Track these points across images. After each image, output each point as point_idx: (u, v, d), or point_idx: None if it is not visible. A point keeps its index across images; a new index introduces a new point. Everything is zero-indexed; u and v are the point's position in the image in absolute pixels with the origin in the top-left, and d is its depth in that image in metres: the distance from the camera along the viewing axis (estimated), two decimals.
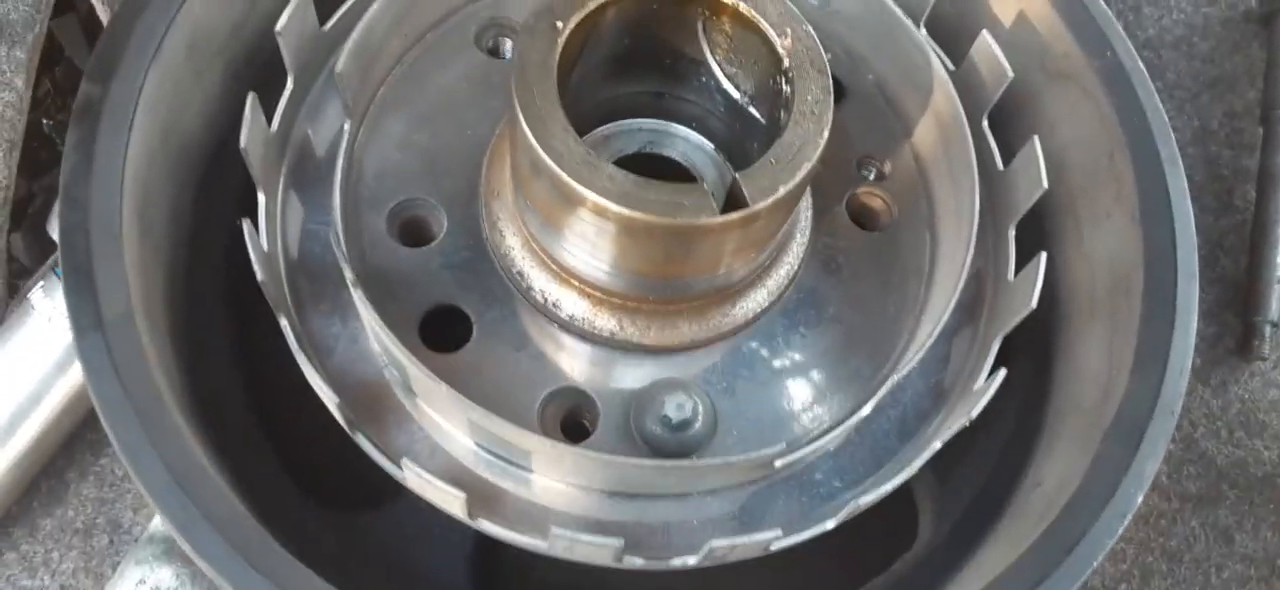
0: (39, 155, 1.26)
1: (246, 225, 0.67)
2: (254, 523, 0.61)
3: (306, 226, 0.76)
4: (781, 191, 0.63)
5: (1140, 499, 0.64)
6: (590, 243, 0.67)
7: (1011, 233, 0.78)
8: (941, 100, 0.79)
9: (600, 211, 0.62)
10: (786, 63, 0.67)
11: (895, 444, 0.73)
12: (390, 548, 0.74)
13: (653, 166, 0.82)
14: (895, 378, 0.67)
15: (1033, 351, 0.82)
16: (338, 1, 0.81)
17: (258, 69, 0.82)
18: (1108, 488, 0.66)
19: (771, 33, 0.68)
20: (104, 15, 1.14)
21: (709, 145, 0.82)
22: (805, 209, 0.78)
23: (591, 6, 0.67)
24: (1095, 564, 0.63)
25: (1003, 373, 0.68)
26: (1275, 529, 0.93)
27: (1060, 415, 0.77)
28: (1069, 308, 0.80)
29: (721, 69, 0.74)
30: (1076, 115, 0.82)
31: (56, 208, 0.68)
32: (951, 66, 0.84)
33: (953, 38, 0.89)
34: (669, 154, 0.82)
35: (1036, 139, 0.76)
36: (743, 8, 0.69)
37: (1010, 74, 0.79)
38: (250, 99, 0.70)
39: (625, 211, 0.61)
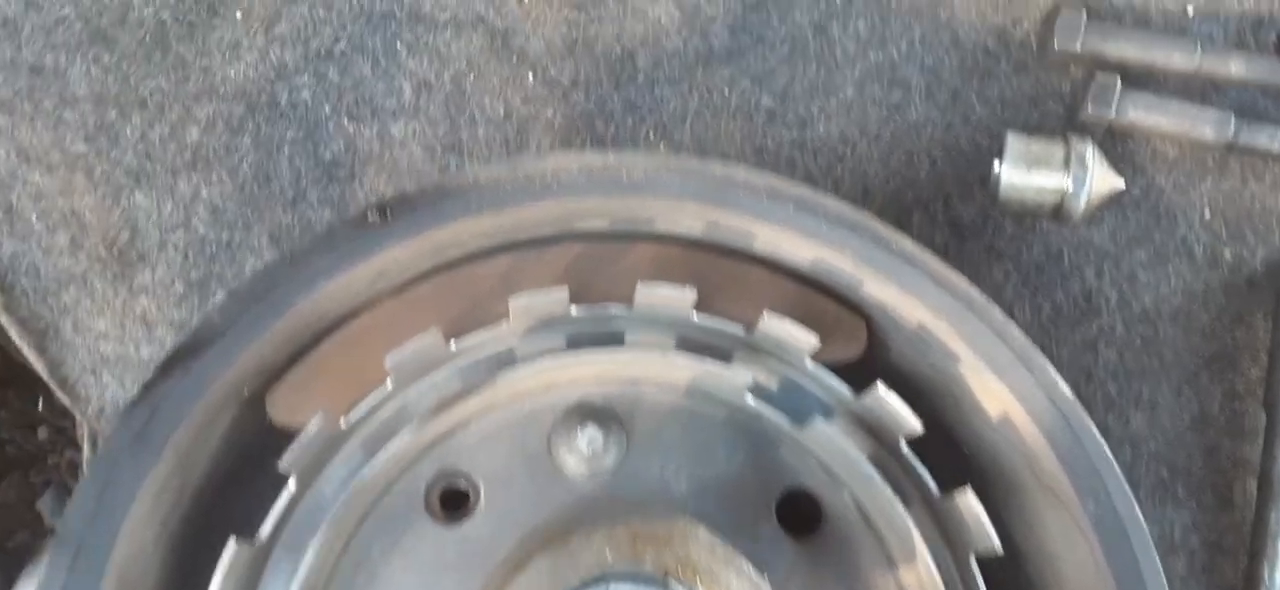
0: None
1: None
2: None
3: None
4: None
5: None
6: None
7: None
8: (921, 565, 0.75)
9: None
10: None
11: None
12: None
13: None
14: None
15: None
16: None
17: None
18: None
19: None
20: (32, 357, 1.07)
21: None
22: None
23: None
24: None
25: None
26: None
27: None
28: None
29: None
30: (1070, 543, 0.77)
31: None
32: (936, 490, 0.79)
33: (939, 402, 0.84)
34: None
35: None
36: (704, 585, 0.63)
37: (997, 549, 0.74)
38: None
39: None
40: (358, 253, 0.77)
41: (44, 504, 1.18)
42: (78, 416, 1.08)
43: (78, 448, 1.18)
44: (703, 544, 0.64)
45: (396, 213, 0.78)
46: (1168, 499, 0.99)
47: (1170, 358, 1.01)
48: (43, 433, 1.20)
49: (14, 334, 1.06)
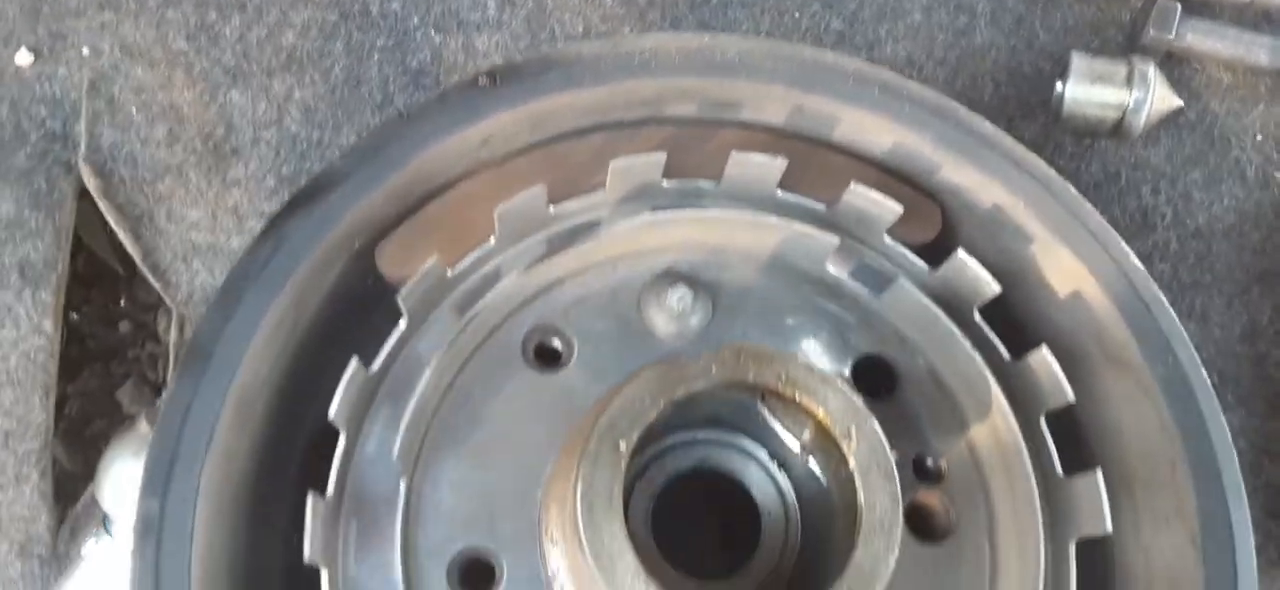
0: (69, 353, 1.26)
1: None
2: None
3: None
4: None
5: None
6: None
7: (1072, 550, 0.78)
8: (997, 418, 0.78)
9: None
10: (852, 464, 0.67)
11: None
12: None
13: (708, 482, 0.82)
14: None
15: None
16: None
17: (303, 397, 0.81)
18: None
19: (836, 430, 0.67)
20: (127, 243, 1.12)
21: (763, 452, 0.82)
22: None
23: (652, 415, 0.66)
24: None
25: None
26: None
27: None
28: None
29: (783, 429, 0.73)
30: (1136, 410, 0.81)
31: None
32: (1007, 355, 0.83)
33: (1007, 284, 0.88)
34: (726, 468, 0.82)
35: (1099, 476, 0.75)
36: (803, 400, 0.68)
37: (1070, 397, 0.78)
38: (310, 503, 0.70)
39: None
40: (468, 114, 0.82)
41: (123, 393, 1.22)
42: (167, 302, 1.13)
43: (158, 341, 1.23)
44: (801, 366, 0.67)
45: (505, 79, 0.83)
46: (1218, 405, 1.03)
47: (1222, 272, 1.05)
48: (124, 327, 1.25)
49: (111, 219, 1.11)
